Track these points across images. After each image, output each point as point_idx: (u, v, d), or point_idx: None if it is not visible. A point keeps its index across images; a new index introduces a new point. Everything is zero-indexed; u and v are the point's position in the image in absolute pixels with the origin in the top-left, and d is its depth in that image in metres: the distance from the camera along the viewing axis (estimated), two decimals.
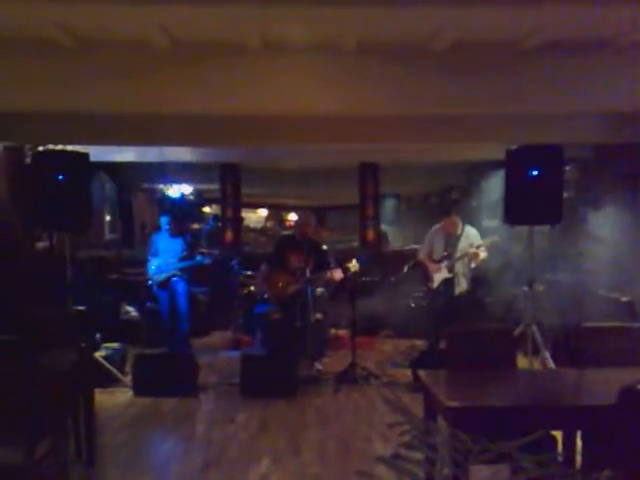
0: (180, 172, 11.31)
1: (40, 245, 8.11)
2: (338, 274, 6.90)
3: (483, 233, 7.23)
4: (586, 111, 5.85)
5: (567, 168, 7.19)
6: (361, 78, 5.43)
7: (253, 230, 17.51)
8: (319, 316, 7.01)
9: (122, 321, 8.34)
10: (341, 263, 7.00)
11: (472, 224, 7.34)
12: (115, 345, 6.86)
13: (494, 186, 8.42)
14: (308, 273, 6.67)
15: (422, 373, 3.81)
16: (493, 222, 7.98)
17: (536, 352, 5.95)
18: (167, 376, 6.19)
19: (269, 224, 19.24)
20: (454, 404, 3.17)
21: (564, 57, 5.26)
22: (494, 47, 5.20)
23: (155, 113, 6.07)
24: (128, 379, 6.42)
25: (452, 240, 7.08)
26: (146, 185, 12.43)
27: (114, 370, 6.42)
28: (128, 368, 6.66)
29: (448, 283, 7.05)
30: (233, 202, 9.85)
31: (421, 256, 7.36)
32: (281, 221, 20.39)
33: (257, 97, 5.46)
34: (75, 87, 5.30)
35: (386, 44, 5.14)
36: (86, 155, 5.99)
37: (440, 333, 5.97)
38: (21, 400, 3.55)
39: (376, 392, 6.19)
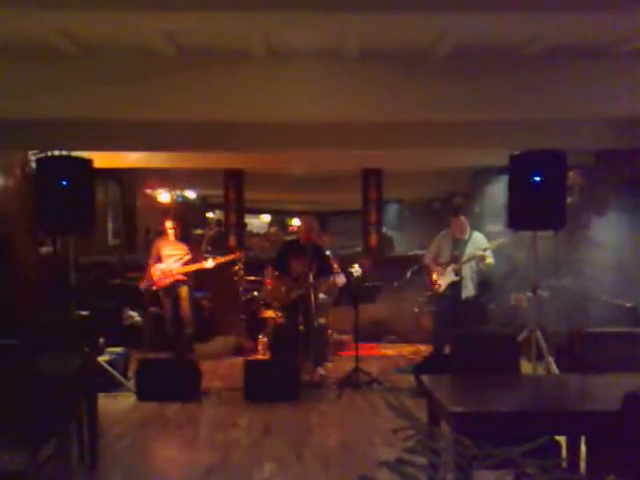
0: (184, 177, 11.36)
1: (44, 250, 8.13)
2: (341, 279, 6.90)
3: (487, 238, 7.23)
4: (588, 117, 5.86)
5: (570, 174, 7.19)
6: (364, 84, 5.45)
7: (256, 235, 17.52)
8: (322, 321, 7.01)
9: (125, 326, 8.35)
10: (344, 268, 7.01)
11: (475, 229, 7.35)
12: (118, 350, 6.86)
13: (497, 192, 8.43)
14: (311, 278, 6.67)
15: (425, 378, 3.80)
16: (496, 227, 7.98)
17: (540, 357, 5.94)
18: (170, 381, 6.19)
19: (272, 229, 19.25)
20: (458, 409, 3.17)
21: (566, 63, 5.27)
22: (496, 53, 5.21)
23: (159, 119, 6.10)
24: (131, 384, 6.42)
25: (459, 244, 7.09)
26: (150, 190, 12.45)
27: (117, 375, 6.42)
28: (131, 373, 6.66)
29: (455, 287, 7.05)
30: (236, 207, 9.87)
31: (427, 260, 7.37)
32: (284, 226, 20.41)
33: (261, 103, 5.48)
34: (80, 94, 5.33)
35: (389, 50, 5.16)
36: (90, 161, 6.01)
37: (445, 338, 5.96)
38: (24, 404, 3.55)
39: (379, 397, 6.18)
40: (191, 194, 14.31)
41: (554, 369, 5.87)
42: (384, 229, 11.12)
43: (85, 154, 6.25)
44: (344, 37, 4.80)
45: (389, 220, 13.83)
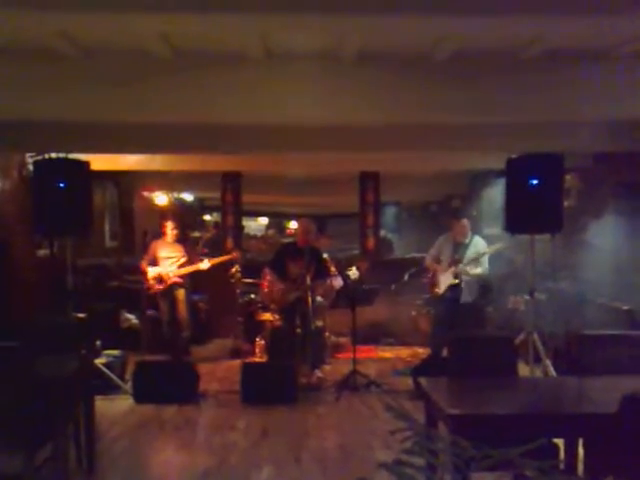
0: (181, 180, 11.36)
1: (41, 252, 8.12)
2: (338, 282, 6.91)
3: (485, 241, 7.25)
4: (587, 120, 5.88)
5: (568, 177, 7.20)
6: (362, 87, 5.46)
7: (254, 238, 17.53)
8: (320, 323, 7.01)
9: (122, 328, 8.34)
10: (341, 271, 7.00)
11: (474, 232, 7.36)
12: (115, 352, 6.85)
13: (495, 195, 8.45)
14: (309, 281, 6.67)
15: (423, 381, 3.81)
16: (494, 231, 8.00)
17: (537, 360, 5.94)
18: (168, 383, 6.19)
19: (270, 232, 19.27)
20: (455, 412, 3.17)
21: (564, 66, 5.29)
22: (494, 56, 5.23)
23: (157, 121, 6.10)
24: (128, 386, 6.41)
25: (460, 248, 7.11)
26: (147, 193, 12.46)
27: (114, 377, 6.41)
28: (128, 375, 6.65)
29: (454, 289, 7.07)
30: (234, 210, 9.87)
31: (428, 262, 7.38)
32: (282, 229, 20.42)
33: (258, 105, 5.48)
34: (77, 95, 5.33)
35: (387, 53, 5.16)
36: (87, 163, 6.01)
37: (442, 341, 5.96)
38: (21, 407, 3.55)
39: (377, 400, 6.18)
40: (188, 196, 14.32)
41: (551, 372, 5.88)
42: (383, 232, 11.13)
43: (82, 156, 6.24)
44: (343, 39, 4.81)
45: (387, 223, 13.86)
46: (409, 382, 6.38)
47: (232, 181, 9.79)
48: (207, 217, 17.19)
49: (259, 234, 19.42)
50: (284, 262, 6.94)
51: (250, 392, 6.14)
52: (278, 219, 20.59)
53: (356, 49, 4.97)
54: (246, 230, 15.78)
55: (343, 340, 8.36)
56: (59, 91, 5.32)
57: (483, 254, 6.99)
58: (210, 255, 8.61)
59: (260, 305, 8.09)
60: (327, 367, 7.25)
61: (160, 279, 7.61)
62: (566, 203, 6.22)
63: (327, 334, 7.86)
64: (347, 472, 4.49)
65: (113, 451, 4.95)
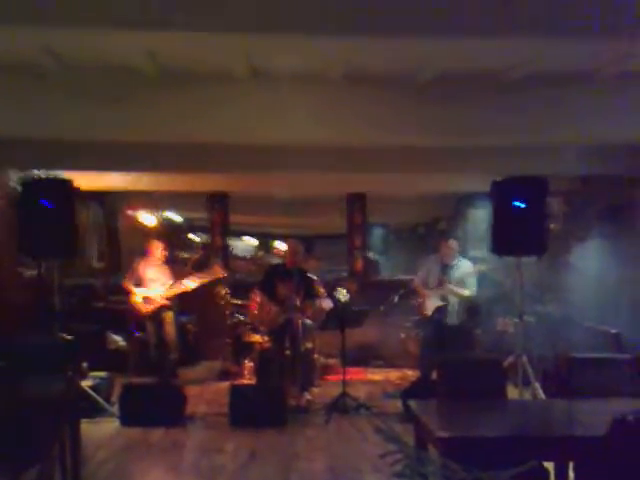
0: (168, 200, 11.35)
1: (27, 273, 8.05)
2: (327, 304, 6.90)
3: (473, 263, 7.28)
4: (570, 142, 5.95)
5: (553, 200, 7.28)
6: (347, 108, 5.51)
7: (243, 259, 17.48)
8: (309, 345, 6.98)
9: (109, 350, 8.25)
10: (330, 292, 7.00)
11: (460, 254, 7.40)
12: (102, 374, 6.77)
13: (481, 217, 8.51)
14: (297, 302, 6.65)
15: (413, 403, 3.80)
16: (480, 252, 8.04)
17: (526, 383, 5.95)
18: (154, 406, 6.11)
19: (260, 253, 19.24)
20: (445, 434, 3.16)
21: (548, 89, 5.37)
22: (479, 79, 5.30)
23: (142, 140, 6.10)
24: (115, 409, 6.33)
25: (447, 269, 7.14)
26: (133, 212, 12.41)
27: (100, 400, 6.33)
28: (115, 398, 6.57)
29: (441, 311, 7.08)
30: (221, 230, 9.87)
31: (416, 283, 7.40)
32: (269, 249, 20.39)
33: (243, 125, 5.51)
34: (61, 113, 5.33)
35: (372, 75, 5.22)
36: (72, 182, 5.95)
37: (431, 363, 5.96)
38: (6, 429, 3.50)
39: (367, 422, 6.15)
40: (176, 217, 14.28)
41: (540, 394, 5.88)
42: (370, 253, 11.15)
43: (68, 175, 6.21)
44: (327, 61, 4.86)
45: (374, 244, 13.89)
46: (399, 405, 6.35)
47: (219, 202, 9.79)
48: (195, 237, 17.14)
49: (247, 255, 19.37)
50: (273, 283, 6.93)
51: (238, 414, 6.09)
52: (265, 240, 20.56)
53: (341, 70, 5.02)
54: (234, 251, 15.73)
55: (332, 362, 8.33)
56: (42, 108, 5.31)
57: (468, 275, 7.01)
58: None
59: (249, 327, 8.05)
60: (316, 389, 7.21)
61: (148, 301, 7.57)
62: (552, 226, 6.28)
63: (316, 356, 7.83)
64: None
65: (99, 474, 4.88)
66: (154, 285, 7.63)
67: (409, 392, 6.07)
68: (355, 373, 8.00)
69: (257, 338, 7.67)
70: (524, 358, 5.94)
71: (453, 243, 7.26)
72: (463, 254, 7.57)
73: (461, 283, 7.04)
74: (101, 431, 5.91)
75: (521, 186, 5.91)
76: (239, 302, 8.22)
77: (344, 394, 6.56)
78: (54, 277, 6.21)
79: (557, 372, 4.60)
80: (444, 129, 5.61)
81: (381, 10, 4.04)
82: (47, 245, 5.84)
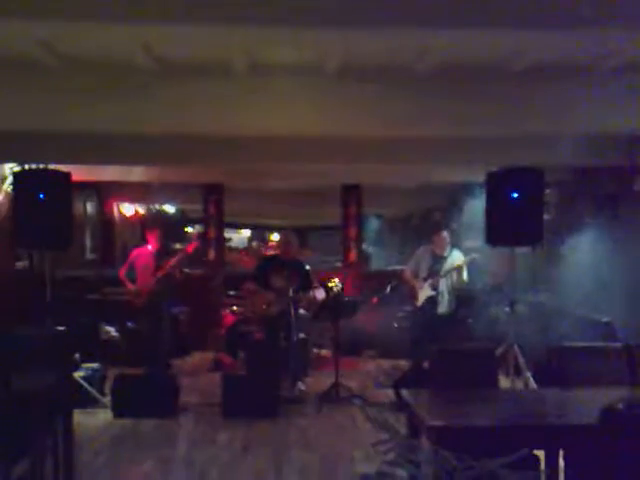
0: (163, 191, 11.31)
1: (20, 264, 8.03)
2: (320, 293, 6.90)
3: (465, 254, 7.29)
4: (567, 134, 5.94)
5: (548, 190, 7.28)
6: (345, 100, 5.49)
7: (236, 250, 17.47)
8: (302, 336, 6.98)
9: (102, 341, 8.24)
10: (323, 283, 7.00)
11: (454, 245, 7.40)
12: (94, 365, 6.76)
13: (476, 208, 8.50)
14: (291, 293, 6.65)
15: (405, 392, 3.81)
16: (475, 243, 8.04)
17: (518, 372, 5.97)
18: (147, 397, 6.11)
19: (254, 244, 19.22)
20: (437, 423, 3.17)
21: (546, 80, 5.35)
22: (477, 70, 5.28)
23: (138, 133, 6.08)
24: (107, 400, 6.33)
25: (439, 260, 7.15)
26: (128, 204, 12.39)
27: (93, 391, 6.33)
28: (107, 389, 6.56)
29: (432, 301, 7.10)
30: (216, 222, 9.84)
31: (407, 274, 7.41)
32: (264, 241, 20.38)
33: (241, 118, 5.49)
34: (58, 106, 5.30)
35: (370, 66, 5.20)
36: (67, 174, 5.95)
37: (423, 353, 5.97)
38: None
39: (359, 412, 6.16)
40: (170, 208, 14.25)
41: (532, 384, 5.90)
42: (362, 245, 11.13)
43: (63, 167, 6.19)
44: (326, 53, 4.84)
45: (369, 235, 13.88)
46: (391, 394, 6.38)
47: (214, 193, 9.76)
48: (190, 229, 17.11)
49: (241, 246, 19.36)
50: (267, 274, 6.93)
51: (231, 405, 6.09)
52: (260, 231, 20.55)
53: (339, 62, 5.00)
54: (228, 243, 15.73)
55: (325, 352, 8.34)
56: (40, 102, 5.29)
57: (458, 266, 7.02)
58: (192, 267, 8.56)
59: (243, 317, 8.04)
60: (309, 379, 7.22)
61: (139, 293, 7.57)
62: (546, 216, 6.27)
63: (309, 346, 7.84)
64: None
65: (92, 466, 4.88)
66: (147, 273, 7.61)
67: (401, 382, 6.09)
68: (348, 363, 8.01)
69: (251, 329, 7.68)
70: (516, 348, 5.95)
71: (445, 234, 7.27)
72: (458, 244, 7.58)
73: (451, 273, 7.06)
74: (94, 422, 5.92)
75: (516, 177, 5.90)
76: (233, 293, 8.21)
77: (337, 384, 6.57)
78: (46, 269, 6.18)
79: (548, 361, 4.62)
80: (441, 120, 5.60)
81: (379, 1, 4.02)
82: (42, 236, 5.81)
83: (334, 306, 6.84)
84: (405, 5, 4.05)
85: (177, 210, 14.72)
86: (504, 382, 5.49)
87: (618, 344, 4.34)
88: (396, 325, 8.71)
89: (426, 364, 5.07)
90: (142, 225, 12.33)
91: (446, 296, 7.13)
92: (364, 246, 11.34)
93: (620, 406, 2.75)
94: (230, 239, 17.06)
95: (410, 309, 7.71)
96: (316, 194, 11.50)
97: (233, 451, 5.20)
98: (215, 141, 6.55)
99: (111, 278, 8.55)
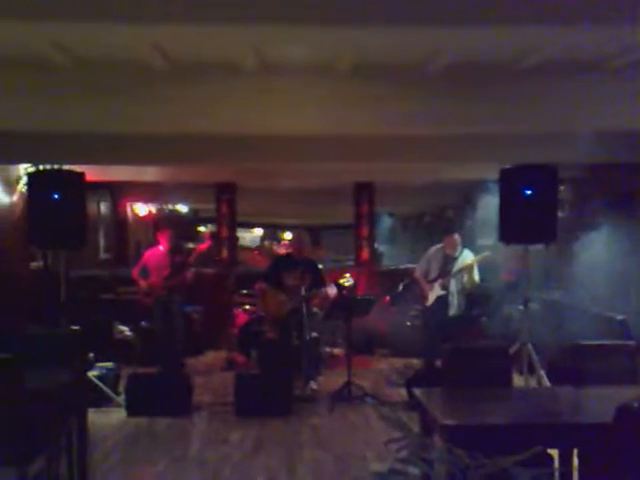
0: (176, 191, 11.36)
1: (34, 264, 8.09)
2: (332, 290, 6.91)
3: (478, 252, 7.26)
4: (580, 131, 5.89)
5: (561, 188, 7.23)
6: (357, 99, 5.47)
7: (249, 249, 17.50)
8: (314, 335, 6.99)
9: (116, 340, 8.29)
10: (335, 280, 7.00)
11: (467, 243, 7.37)
12: (108, 364, 6.81)
13: (489, 205, 8.46)
14: (304, 292, 6.66)
15: (417, 391, 3.80)
16: (488, 241, 8.01)
17: (532, 371, 5.94)
18: (161, 396, 6.14)
19: (267, 243, 19.25)
20: (450, 422, 3.16)
21: (558, 78, 5.31)
22: (489, 68, 5.24)
23: (151, 133, 6.10)
24: (121, 399, 6.37)
25: (450, 260, 7.12)
26: (141, 204, 12.45)
27: (107, 390, 6.37)
28: (121, 388, 6.60)
29: (441, 301, 7.07)
30: (228, 221, 9.86)
31: (417, 274, 7.39)
32: (277, 240, 20.40)
33: (252, 117, 5.49)
34: (71, 106, 5.32)
35: (382, 65, 5.18)
36: (81, 174, 6.00)
37: (435, 352, 5.96)
38: (14, 419, 3.52)
39: (371, 411, 6.16)
40: (183, 208, 14.31)
41: (545, 382, 5.87)
42: (374, 244, 11.11)
43: (76, 167, 6.23)
44: (337, 51, 4.82)
45: (381, 234, 13.85)
46: (403, 393, 6.36)
47: (227, 192, 9.78)
48: (202, 228, 17.16)
49: (254, 246, 19.39)
50: (279, 274, 6.95)
51: (244, 404, 6.11)
52: (273, 230, 20.57)
53: (351, 61, 4.98)
54: (241, 242, 15.75)
55: (338, 351, 8.34)
56: (52, 102, 5.31)
57: (469, 265, 6.99)
58: (205, 266, 8.59)
59: (255, 316, 8.06)
60: (321, 378, 7.23)
61: (150, 292, 7.61)
62: (560, 213, 6.23)
63: (322, 345, 7.84)
64: None
65: (105, 464, 4.92)
66: (159, 274, 7.65)
67: (414, 380, 6.08)
68: (360, 362, 8.01)
69: (263, 327, 7.70)
70: (529, 346, 5.92)
71: (456, 236, 7.24)
72: (471, 242, 7.55)
73: (461, 273, 7.02)
74: (108, 421, 5.95)
75: (530, 174, 5.87)
76: (245, 292, 8.23)
77: (349, 383, 6.56)
78: (61, 268, 6.23)
79: (562, 359, 4.59)
80: (452, 118, 5.56)
81: None
82: (56, 236, 5.86)
83: (346, 304, 6.84)
84: (417, 3, 4.02)
85: (190, 210, 14.77)
86: (518, 380, 5.46)
87: (632, 342, 4.31)
88: (408, 323, 8.69)
89: (439, 362, 5.06)
90: (154, 225, 12.40)
91: (456, 297, 7.09)
92: (376, 245, 11.32)
93: (635, 404, 2.73)
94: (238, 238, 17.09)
95: (421, 308, 7.69)
96: (328, 193, 11.49)
97: (246, 450, 5.22)
98: (226, 141, 6.56)
99: (125, 278, 8.60)
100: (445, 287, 7.06)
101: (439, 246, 7.31)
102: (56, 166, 6.56)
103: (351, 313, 6.76)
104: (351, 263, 10.34)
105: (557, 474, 3.55)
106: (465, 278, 6.99)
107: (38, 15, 3.92)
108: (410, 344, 8.17)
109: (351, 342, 6.88)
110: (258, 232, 20.98)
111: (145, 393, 6.16)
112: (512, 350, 5.58)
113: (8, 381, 3.54)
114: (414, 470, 1.74)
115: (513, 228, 5.90)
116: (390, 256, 14.93)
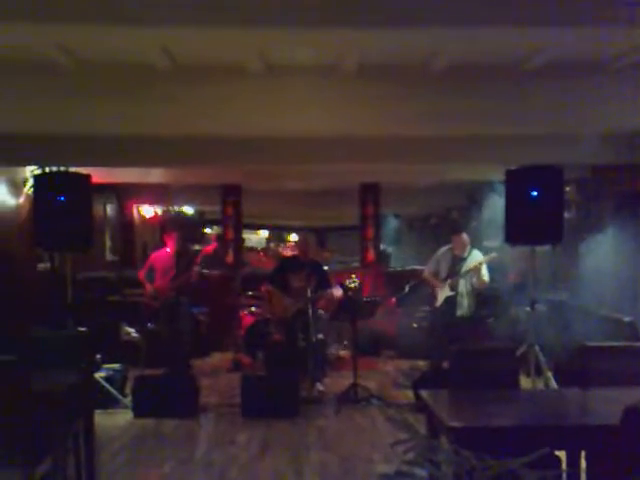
0: (181, 193, 11.38)
1: (41, 266, 8.12)
2: (338, 292, 6.91)
3: (484, 253, 7.24)
4: (586, 132, 5.88)
5: (567, 189, 7.21)
6: (361, 100, 5.47)
7: (255, 250, 17.52)
8: (320, 336, 6.99)
9: (122, 342, 8.31)
10: (341, 281, 7.00)
11: (473, 244, 7.36)
12: (115, 366, 6.82)
13: (495, 206, 8.44)
14: (309, 293, 6.66)
15: (424, 393, 3.79)
16: (494, 242, 7.99)
17: (539, 372, 5.91)
18: (167, 397, 6.15)
19: (272, 245, 19.27)
20: (456, 424, 3.15)
21: (563, 79, 5.30)
22: (494, 68, 5.24)
23: (157, 135, 6.11)
24: (128, 400, 6.38)
25: (458, 261, 7.10)
26: (147, 206, 12.47)
27: (114, 391, 6.38)
28: (128, 389, 6.62)
29: (450, 301, 7.05)
30: (234, 223, 9.87)
31: (426, 274, 7.38)
32: (283, 242, 20.42)
33: (257, 119, 5.50)
34: (76, 109, 5.34)
35: (387, 66, 5.18)
36: (87, 176, 6.02)
37: (442, 353, 5.95)
38: (21, 421, 3.53)
39: (378, 412, 6.15)
40: (189, 209, 14.33)
41: (553, 384, 5.85)
42: (381, 245, 11.11)
43: (82, 169, 6.25)
44: (342, 53, 4.83)
45: (387, 235, 13.84)
46: (410, 395, 6.35)
47: (232, 194, 9.79)
48: (208, 230, 17.18)
49: (259, 247, 19.41)
50: (285, 275, 6.95)
51: (250, 405, 6.11)
52: (278, 232, 20.59)
53: (355, 62, 4.99)
54: (247, 243, 15.77)
55: (344, 353, 8.33)
56: (57, 104, 5.33)
57: (478, 265, 6.96)
58: (211, 268, 8.59)
59: (261, 318, 8.06)
60: (327, 380, 7.22)
61: (156, 296, 7.62)
62: (566, 215, 6.21)
63: (328, 347, 7.84)
64: None
65: (112, 465, 4.93)
66: (166, 276, 7.66)
67: (420, 382, 6.06)
68: (367, 363, 8.00)
69: (269, 329, 7.70)
70: (536, 347, 5.90)
71: (464, 236, 7.22)
72: (477, 243, 7.53)
73: (470, 273, 7.00)
74: (115, 422, 5.96)
75: (536, 175, 5.86)
76: (251, 294, 8.24)
77: (355, 384, 6.56)
78: (67, 270, 6.25)
79: (570, 361, 4.57)
80: (457, 119, 5.56)
81: (394, 0, 4.01)
82: (63, 238, 5.88)
83: (352, 306, 6.83)
84: (420, 4, 4.02)
85: (196, 211, 14.79)
86: (525, 382, 5.44)
87: None
88: (415, 325, 8.68)
89: (446, 364, 5.05)
90: (161, 227, 12.42)
91: (465, 298, 7.06)
92: (382, 246, 11.30)
93: None
94: (249, 240, 17.13)
95: (429, 309, 7.67)
96: (334, 194, 11.49)
97: (252, 451, 5.22)
98: (232, 142, 6.57)
99: (131, 279, 8.62)
100: (454, 288, 7.04)
101: (448, 247, 7.30)
102: (62, 168, 6.59)
103: (356, 315, 6.75)
104: (357, 265, 10.33)
105: (564, 476, 3.54)
106: (474, 279, 6.97)
107: (43, 17, 3.94)
108: (417, 346, 8.17)
109: (357, 344, 6.87)
110: (264, 234, 21.01)
111: (152, 395, 6.17)
112: (519, 352, 5.56)
113: (15, 383, 3.55)
114: (421, 472, 1.73)
115: (519, 229, 5.89)
116: (396, 257, 14.92)
